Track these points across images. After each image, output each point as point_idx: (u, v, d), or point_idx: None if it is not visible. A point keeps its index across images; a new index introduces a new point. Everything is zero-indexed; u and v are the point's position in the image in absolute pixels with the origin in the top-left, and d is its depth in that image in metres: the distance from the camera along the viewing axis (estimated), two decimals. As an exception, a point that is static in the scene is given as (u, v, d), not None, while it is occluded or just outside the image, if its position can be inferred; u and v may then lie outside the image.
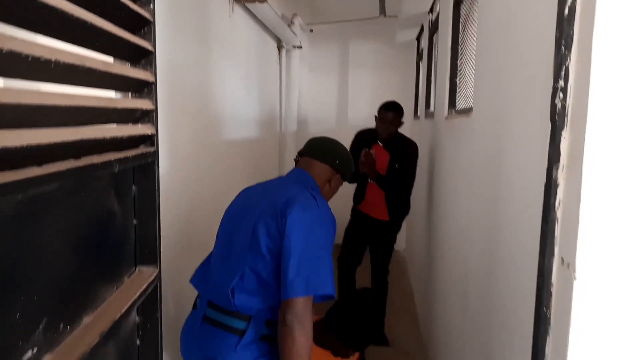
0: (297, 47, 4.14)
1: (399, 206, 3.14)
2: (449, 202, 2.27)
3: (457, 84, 2.37)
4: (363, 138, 3.17)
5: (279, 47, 3.98)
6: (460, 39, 2.35)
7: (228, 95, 2.61)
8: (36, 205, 0.64)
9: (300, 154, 1.66)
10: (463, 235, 1.88)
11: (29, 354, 0.62)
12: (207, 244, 1.69)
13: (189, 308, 1.57)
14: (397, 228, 3.21)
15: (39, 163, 0.61)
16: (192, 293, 1.57)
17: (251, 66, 3.15)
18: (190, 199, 2.07)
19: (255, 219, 1.40)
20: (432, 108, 3.27)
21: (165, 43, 1.71)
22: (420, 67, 4.62)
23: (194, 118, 2.10)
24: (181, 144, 1.93)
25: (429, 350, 2.84)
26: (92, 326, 0.77)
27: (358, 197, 3.19)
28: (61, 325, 0.70)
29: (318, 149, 1.63)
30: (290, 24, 3.99)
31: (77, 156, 0.70)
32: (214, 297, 1.42)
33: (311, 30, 4.94)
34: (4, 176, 0.54)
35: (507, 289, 1.27)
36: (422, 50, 4.46)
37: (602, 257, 0.84)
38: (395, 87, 5.03)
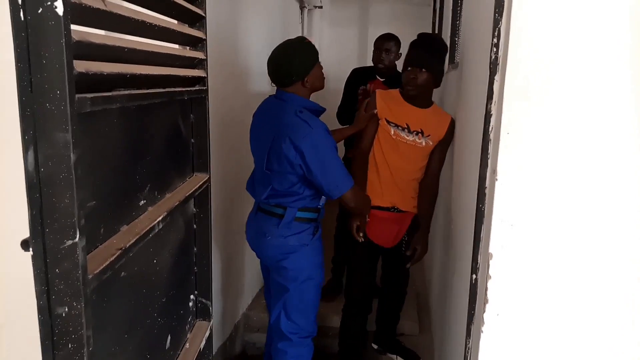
0: (318, 7, 4.44)
1: None
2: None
3: (456, 42, 2.68)
4: (358, 74, 2.99)
5: (301, 8, 4.29)
6: (459, 3, 2.65)
7: (255, 52, 2.98)
8: (143, 115, 1.05)
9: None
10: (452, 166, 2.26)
11: (142, 202, 1.05)
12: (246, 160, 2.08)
13: (237, 206, 2.12)
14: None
15: (147, 87, 1.02)
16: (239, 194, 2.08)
17: (275, 25, 3.49)
18: (229, 129, 2.49)
19: (267, 151, 1.83)
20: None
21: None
22: (436, 25, 4.86)
23: (228, 70, 2.48)
24: (218, 91, 2.32)
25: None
26: (171, 198, 1.20)
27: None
28: (156, 192, 1.13)
29: (278, 77, 1.85)
30: (312, -16, 4.28)
31: (164, 86, 1.11)
32: (259, 200, 1.94)
33: (332, -9, 5.21)
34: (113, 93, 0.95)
35: (464, 199, 1.66)
36: (436, 9, 4.70)
37: (515, 166, 1.22)
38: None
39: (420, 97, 2.05)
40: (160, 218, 1.05)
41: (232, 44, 2.55)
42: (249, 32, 2.82)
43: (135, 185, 1.03)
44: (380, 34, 2.94)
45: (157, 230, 1.03)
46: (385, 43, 2.87)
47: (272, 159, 1.83)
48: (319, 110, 1.90)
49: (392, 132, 2.06)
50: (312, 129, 1.75)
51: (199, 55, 1.36)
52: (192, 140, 1.42)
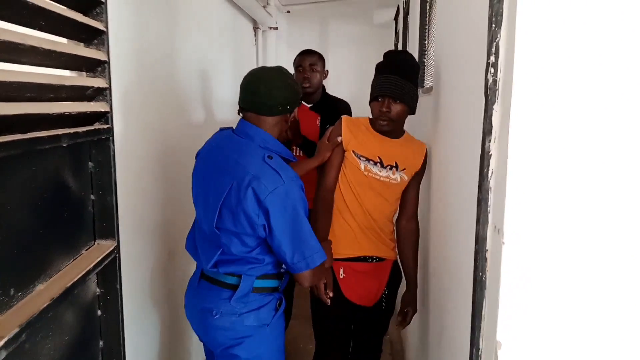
0: (273, 28, 4.14)
1: None
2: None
3: (425, 64, 2.41)
4: None
5: (255, 29, 3.98)
6: (427, 20, 2.39)
7: (201, 78, 2.62)
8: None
9: (242, 107, 1.50)
10: (429, 209, 1.94)
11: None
12: (172, 217, 1.70)
13: (154, 278, 1.64)
14: None
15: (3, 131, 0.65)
16: (156, 262, 1.63)
17: (226, 47, 3.15)
18: (154, 180, 2.09)
19: (220, 202, 1.40)
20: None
21: (134, 25, 1.72)
22: (398, 47, 4.64)
23: (163, 99, 2.11)
24: (149, 124, 1.95)
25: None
26: (44, 292, 0.82)
27: None
28: (12, 291, 0.75)
29: (260, 103, 1.45)
30: (265, 5, 3.98)
31: (23, 131, 0.74)
32: (204, 265, 1.49)
33: (288, 12, 4.93)
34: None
35: (451, 256, 1.34)
36: (399, 31, 4.49)
37: (527, 223, 0.90)
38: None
39: (394, 129, 1.75)
40: (11, 334, 0.66)
41: (171, 68, 2.19)
42: (194, 55, 2.47)
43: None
44: (321, 54, 2.56)
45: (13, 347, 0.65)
46: (308, 58, 2.46)
47: (226, 215, 1.40)
48: (290, 161, 1.51)
49: (363, 167, 1.73)
50: (285, 183, 1.36)
51: (97, 83, 1.00)
52: (92, 197, 1.04)
